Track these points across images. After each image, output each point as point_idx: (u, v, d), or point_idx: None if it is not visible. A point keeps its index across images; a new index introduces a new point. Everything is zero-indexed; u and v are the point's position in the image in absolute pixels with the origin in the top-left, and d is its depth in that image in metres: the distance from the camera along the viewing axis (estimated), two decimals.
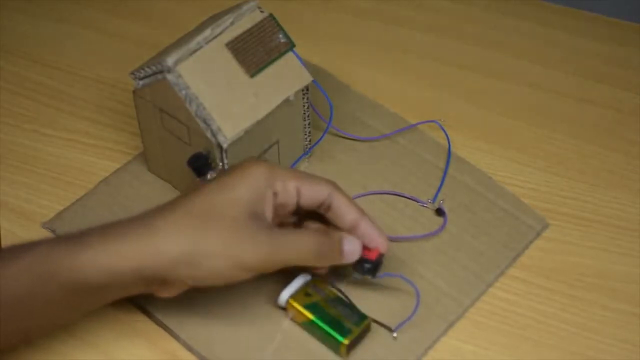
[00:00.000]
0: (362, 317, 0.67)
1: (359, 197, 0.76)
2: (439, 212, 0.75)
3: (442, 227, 0.74)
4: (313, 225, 0.68)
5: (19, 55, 0.89)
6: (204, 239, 0.62)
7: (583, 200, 0.77)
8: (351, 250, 0.65)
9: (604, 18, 0.93)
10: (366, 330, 0.67)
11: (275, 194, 0.65)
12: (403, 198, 0.77)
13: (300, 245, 0.64)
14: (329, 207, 0.66)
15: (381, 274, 0.68)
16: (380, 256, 0.67)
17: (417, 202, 0.76)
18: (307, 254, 0.64)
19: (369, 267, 0.67)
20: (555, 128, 0.83)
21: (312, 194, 0.66)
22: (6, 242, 0.73)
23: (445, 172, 0.78)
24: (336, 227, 0.67)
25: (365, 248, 0.67)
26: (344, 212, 0.66)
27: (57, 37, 0.91)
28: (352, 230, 0.66)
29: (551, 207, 0.76)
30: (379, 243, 0.67)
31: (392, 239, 0.73)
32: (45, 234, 0.74)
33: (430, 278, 0.71)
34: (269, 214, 0.64)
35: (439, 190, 0.77)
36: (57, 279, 0.61)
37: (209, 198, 0.63)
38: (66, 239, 0.62)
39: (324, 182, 0.66)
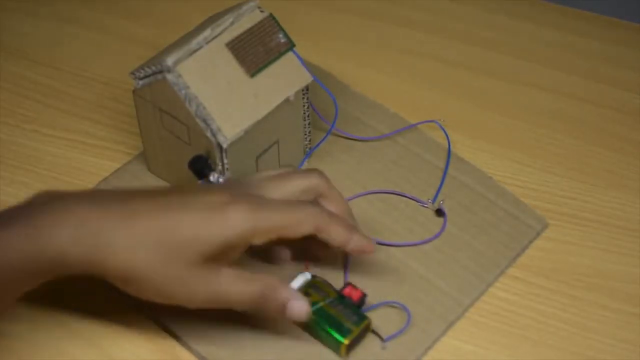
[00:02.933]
0: (362, 317, 0.67)
1: (358, 196, 0.76)
2: (439, 212, 0.75)
3: (443, 228, 0.74)
4: (283, 253, 0.68)
5: (19, 55, 0.89)
6: (152, 265, 0.61)
7: (583, 200, 0.77)
8: (297, 310, 0.64)
9: (604, 18, 0.93)
10: (366, 330, 0.67)
11: (249, 244, 0.63)
12: (403, 198, 0.77)
13: (240, 297, 0.63)
14: (315, 235, 0.65)
15: (365, 308, 0.68)
16: (363, 296, 0.67)
17: (417, 202, 0.76)
18: (247, 304, 0.63)
19: (352, 305, 0.67)
20: (555, 128, 0.83)
21: (294, 235, 0.64)
22: None
23: (445, 172, 0.78)
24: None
25: (350, 287, 0.67)
26: (330, 238, 0.65)
27: (57, 37, 0.91)
28: (341, 248, 0.66)
29: (551, 207, 0.76)
30: (367, 252, 0.66)
31: (392, 245, 0.73)
32: None
33: (430, 278, 0.71)
34: (232, 258, 0.63)
35: (439, 190, 0.77)
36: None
37: (179, 226, 0.61)
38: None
39: (309, 220, 0.64)
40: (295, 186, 0.66)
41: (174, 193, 0.64)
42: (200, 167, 0.70)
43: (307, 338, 0.67)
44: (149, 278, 0.61)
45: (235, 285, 0.62)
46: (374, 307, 0.68)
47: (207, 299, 0.62)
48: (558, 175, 0.79)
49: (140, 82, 0.71)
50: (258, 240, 0.63)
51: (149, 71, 0.70)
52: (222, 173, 0.70)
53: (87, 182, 0.78)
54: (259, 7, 0.72)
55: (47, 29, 0.92)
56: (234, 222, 0.61)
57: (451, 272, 0.71)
